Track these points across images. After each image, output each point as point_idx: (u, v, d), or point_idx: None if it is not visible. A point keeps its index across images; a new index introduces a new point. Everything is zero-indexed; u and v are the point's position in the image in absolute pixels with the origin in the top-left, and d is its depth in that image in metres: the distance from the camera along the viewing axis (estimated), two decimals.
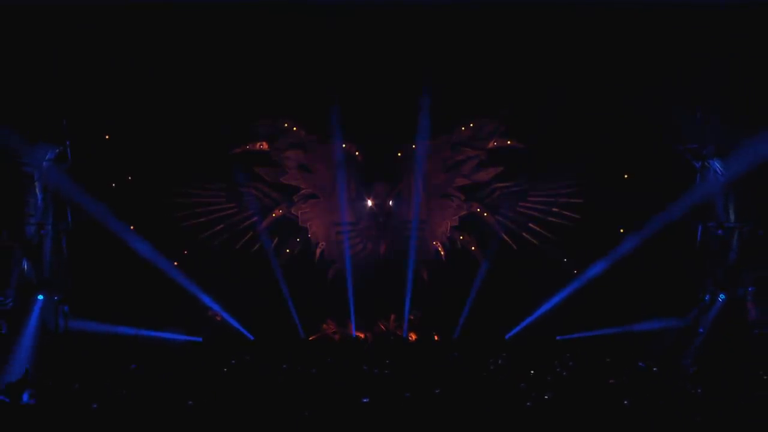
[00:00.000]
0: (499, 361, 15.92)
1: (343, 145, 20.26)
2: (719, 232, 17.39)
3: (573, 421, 10.32)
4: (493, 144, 20.49)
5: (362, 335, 20.46)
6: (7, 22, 15.37)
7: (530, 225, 20.57)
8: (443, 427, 10.16)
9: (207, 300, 19.61)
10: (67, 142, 17.34)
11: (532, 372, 14.38)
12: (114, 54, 16.77)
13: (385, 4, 16.28)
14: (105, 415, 10.59)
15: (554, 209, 20.41)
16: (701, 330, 17.47)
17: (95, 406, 10.73)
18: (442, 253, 21.02)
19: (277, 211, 20.80)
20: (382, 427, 10.22)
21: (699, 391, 11.99)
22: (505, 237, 20.62)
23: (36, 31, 15.87)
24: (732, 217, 17.36)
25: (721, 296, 17.55)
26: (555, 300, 19.26)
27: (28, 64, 16.13)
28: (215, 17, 16.03)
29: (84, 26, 15.89)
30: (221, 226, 20.48)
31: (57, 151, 17.23)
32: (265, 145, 20.45)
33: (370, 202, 20.73)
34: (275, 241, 20.74)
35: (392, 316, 20.61)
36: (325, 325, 20.68)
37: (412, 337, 20.52)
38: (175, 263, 19.35)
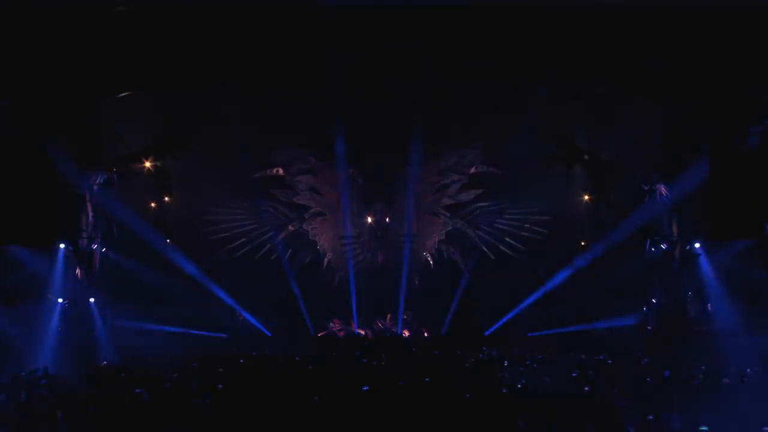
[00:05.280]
0: (480, 354, 16.19)
1: (348, 171, 20.33)
2: (663, 245, 17.61)
3: (540, 404, 10.59)
4: (474, 170, 20.63)
5: (363, 332, 20.53)
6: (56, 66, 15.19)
7: (506, 239, 20.66)
8: (432, 410, 10.39)
9: (231, 301, 19.72)
10: (114, 169, 17.66)
11: (506, 363, 14.66)
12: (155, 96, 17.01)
13: (383, 42, 16.39)
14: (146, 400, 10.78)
15: (526, 225, 20.47)
16: (649, 328, 17.63)
17: (139, 391, 10.93)
18: (431, 262, 21.07)
19: (290, 227, 20.94)
20: (380, 410, 10.47)
21: (649, 380, 12.25)
22: (485, 249, 20.76)
23: (83, 75, 15.77)
24: (674, 232, 17.48)
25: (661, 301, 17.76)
26: (527, 302, 19.32)
27: (81, 103, 16.12)
28: (242, 65, 16.23)
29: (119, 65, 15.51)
30: (243, 239, 20.62)
31: (105, 177, 17.46)
32: (280, 171, 20.63)
33: (369, 219, 20.77)
34: (289, 252, 20.88)
35: (388, 316, 20.73)
36: (331, 324, 20.98)
37: (406, 333, 20.68)
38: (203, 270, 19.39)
